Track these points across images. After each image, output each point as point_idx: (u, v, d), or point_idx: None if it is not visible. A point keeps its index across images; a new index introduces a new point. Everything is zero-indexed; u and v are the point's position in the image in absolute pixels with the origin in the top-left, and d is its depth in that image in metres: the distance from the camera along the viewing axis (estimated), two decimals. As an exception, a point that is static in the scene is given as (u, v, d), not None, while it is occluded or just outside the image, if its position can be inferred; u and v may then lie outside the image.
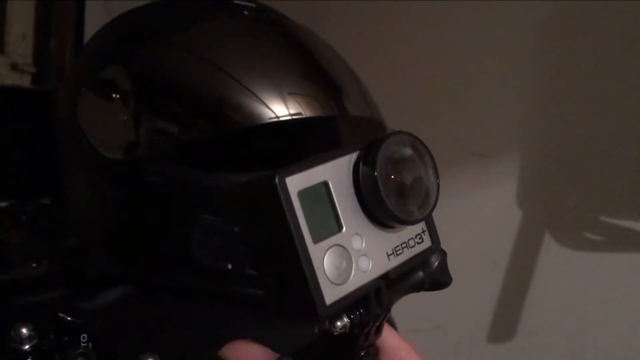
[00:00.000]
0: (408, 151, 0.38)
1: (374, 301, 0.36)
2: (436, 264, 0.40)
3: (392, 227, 0.37)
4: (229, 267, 0.43)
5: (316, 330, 0.36)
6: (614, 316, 0.99)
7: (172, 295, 0.49)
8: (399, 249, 0.38)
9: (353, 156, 0.37)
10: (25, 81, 1.22)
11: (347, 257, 0.35)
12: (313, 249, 0.33)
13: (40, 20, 1.27)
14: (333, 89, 0.50)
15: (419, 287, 0.40)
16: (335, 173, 0.36)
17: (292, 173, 0.33)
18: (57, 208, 0.79)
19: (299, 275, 0.33)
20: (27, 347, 0.39)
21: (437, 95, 1.10)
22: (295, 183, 0.33)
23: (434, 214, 0.42)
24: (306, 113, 0.46)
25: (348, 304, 0.35)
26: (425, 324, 1.08)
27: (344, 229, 0.35)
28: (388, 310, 0.38)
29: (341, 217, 0.35)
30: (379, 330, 0.39)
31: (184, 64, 0.48)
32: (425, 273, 0.40)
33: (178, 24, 0.51)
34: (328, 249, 0.34)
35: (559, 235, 1.02)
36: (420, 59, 1.12)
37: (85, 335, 0.46)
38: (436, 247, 0.40)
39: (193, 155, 0.47)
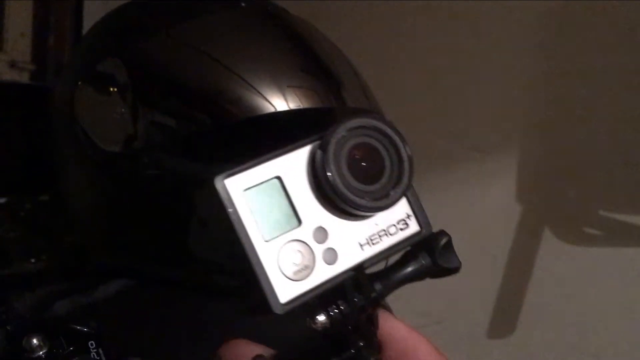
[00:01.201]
0: (370, 133, 0.36)
1: (352, 292, 0.35)
2: (439, 247, 0.38)
3: (362, 216, 0.36)
4: (227, 259, 0.43)
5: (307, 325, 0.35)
6: (613, 310, 0.99)
7: (170, 288, 0.49)
8: (375, 238, 0.36)
9: (309, 147, 0.35)
10: (23, 78, 1.22)
11: (308, 251, 0.34)
12: (264, 247, 0.33)
13: (39, 18, 1.27)
14: (331, 82, 0.50)
15: (421, 275, 0.38)
16: (289, 167, 0.34)
17: (234, 173, 0.33)
18: (55, 204, 0.79)
19: (252, 274, 0.32)
20: (41, 353, 0.39)
21: (437, 91, 1.10)
22: (240, 182, 0.33)
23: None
24: (304, 105, 0.46)
25: (313, 298, 0.34)
26: (424, 320, 1.08)
27: (303, 224, 0.34)
28: (374, 300, 0.37)
29: (299, 212, 0.34)
30: (372, 323, 0.38)
31: (182, 57, 0.48)
32: (427, 260, 0.38)
33: (175, 17, 0.51)
34: (284, 245, 0.33)
35: (558, 230, 1.02)
36: (420, 55, 1.12)
37: (93, 342, 0.46)
38: (426, 231, 0.38)
39: (191, 148, 0.47)
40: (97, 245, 0.53)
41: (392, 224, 0.37)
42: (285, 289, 0.33)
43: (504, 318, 1.07)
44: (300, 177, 0.34)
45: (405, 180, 0.36)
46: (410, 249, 0.38)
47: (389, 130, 0.36)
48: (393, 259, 0.39)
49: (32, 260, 0.66)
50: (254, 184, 0.33)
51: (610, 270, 0.98)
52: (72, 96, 0.51)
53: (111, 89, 0.49)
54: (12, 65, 1.22)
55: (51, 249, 0.68)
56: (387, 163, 0.36)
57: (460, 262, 0.38)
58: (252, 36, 0.50)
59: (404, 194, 0.36)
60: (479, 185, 1.07)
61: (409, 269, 0.38)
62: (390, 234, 0.37)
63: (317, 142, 0.35)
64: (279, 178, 0.34)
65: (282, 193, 0.34)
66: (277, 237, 0.33)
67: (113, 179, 0.49)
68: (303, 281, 0.33)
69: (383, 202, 0.35)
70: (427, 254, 0.38)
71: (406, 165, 0.36)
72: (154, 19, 0.52)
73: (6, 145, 0.86)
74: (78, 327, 0.48)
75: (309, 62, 0.50)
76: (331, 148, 0.34)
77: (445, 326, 1.09)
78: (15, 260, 0.69)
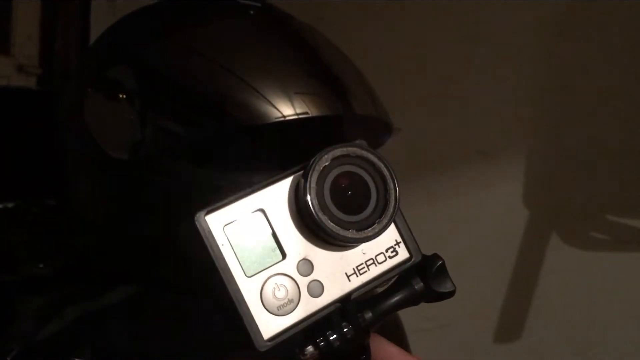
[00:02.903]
0: (354, 162, 0.35)
1: (340, 323, 0.34)
2: (432, 271, 0.37)
3: (348, 246, 0.35)
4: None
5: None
6: (620, 315, 0.98)
7: (177, 294, 0.49)
8: (363, 267, 0.35)
9: (292, 179, 0.34)
10: (30, 82, 1.23)
11: (293, 285, 0.33)
12: (246, 283, 0.32)
13: (46, 22, 1.27)
14: (339, 88, 0.50)
15: (413, 301, 0.37)
16: (272, 199, 0.34)
17: (215, 209, 0.32)
18: (62, 208, 0.79)
19: (234, 311, 0.32)
20: None
21: (443, 94, 1.10)
22: (221, 218, 0.32)
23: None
24: (312, 112, 0.46)
25: (298, 332, 0.33)
26: (430, 324, 1.07)
27: (287, 257, 0.34)
28: (364, 329, 0.36)
29: (283, 245, 0.34)
30: (364, 352, 0.37)
31: (189, 64, 0.48)
32: (419, 285, 0.37)
33: (184, 24, 0.51)
34: (267, 280, 0.33)
35: (565, 234, 1.02)
36: (427, 59, 1.12)
37: None
38: (416, 258, 0.37)
39: (199, 154, 0.47)
40: (105, 251, 0.54)
41: (381, 252, 0.36)
42: (269, 325, 0.32)
43: (511, 322, 1.06)
44: (283, 209, 0.34)
45: (391, 209, 0.35)
46: (402, 274, 0.37)
47: (374, 159, 0.35)
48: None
49: (40, 265, 0.66)
50: (235, 218, 0.33)
51: (618, 274, 0.98)
52: (81, 103, 0.51)
53: (120, 96, 0.49)
54: (20, 69, 1.22)
55: (58, 254, 0.68)
56: (373, 192, 0.35)
57: (454, 286, 0.37)
58: (260, 43, 0.50)
59: (389, 223, 0.35)
60: (486, 189, 1.07)
61: (401, 295, 0.36)
62: (379, 263, 0.36)
63: (300, 173, 0.34)
64: (262, 211, 0.33)
65: (266, 226, 0.33)
66: (260, 272, 0.33)
67: (121, 184, 0.49)
68: (287, 315, 0.33)
69: (368, 232, 0.34)
70: (420, 279, 0.37)
71: (392, 194, 0.35)
72: (162, 26, 0.52)
73: (13, 149, 0.86)
74: None
75: (317, 68, 0.51)
76: (313, 178, 0.33)
77: (450, 330, 1.09)
78: (23, 264, 0.69)
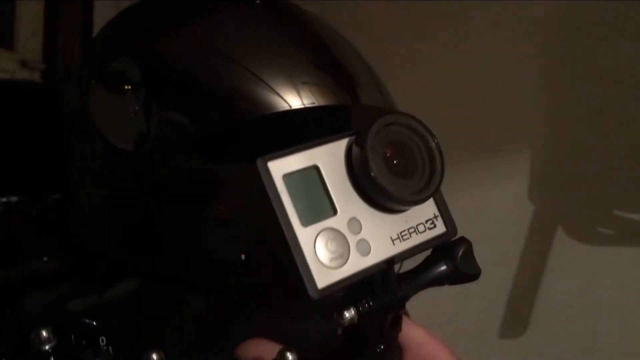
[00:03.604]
0: (403, 131, 0.36)
1: (381, 289, 0.35)
2: (460, 254, 0.38)
3: (394, 211, 0.36)
4: (242, 257, 0.43)
5: (328, 325, 0.35)
6: (626, 310, 0.98)
7: (183, 287, 0.48)
8: (406, 234, 0.36)
9: (346, 140, 0.36)
10: (34, 77, 1.23)
11: (343, 241, 0.34)
12: (302, 232, 0.33)
13: (50, 18, 1.27)
14: (346, 79, 0.50)
15: (442, 281, 0.38)
16: (327, 157, 0.35)
17: (275, 157, 0.33)
18: (66, 203, 0.79)
19: (289, 258, 0.32)
20: (47, 347, 0.38)
21: (449, 89, 1.10)
22: (280, 166, 0.33)
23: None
24: (319, 102, 0.46)
25: (346, 287, 0.33)
26: (436, 319, 1.07)
27: (338, 213, 0.34)
28: (400, 301, 0.36)
29: (335, 202, 0.34)
30: (396, 325, 0.38)
31: (195, 54, 0.48)
32: (448, 266, 0.38)
33: (188, 14, 0.50)
34: (320, 232, 0.33)
35: (571, 229, 1.01)
36: (432, 53, 1.11)
37: (104, 337, 0.46)
38: (452, 232, 0.38)
39: (204, 146, 0.46)
40: (109, 244, 0.53)
41: (421, 222, 0.37)
42: (322, 275, 0.32)
43: (516, 318, 1.06)
44: (336, 169, 0.35)
45: (438, 177, 0.36)
46: (432, 254, 0.38)
47: (422, 129, 0.37)
48: (415, 263, 0.38)
49: (45, 259, 0.66)
50: (293, 170, 0.33)
51: (624, 270, 0.98)
52: (85, 95, 0.51)
53: (124, 88, 0.48)
54: (23, 64, 1.22)
55: (62, 248, 0.68)
56: (419, 159, 0.36)
57: (480, 269, 0.38)
58: (266, 33, 0.50)
59: (437, 189, 0.36)
60: (491, 184, 1.06)
61: (432, 273, 0.37)
62: (419, 232, 0.37)
63: (352, 137, 0.35)
64: (316, 168, 0.34)
65: (319, 182, 0.34)
66: (314, 224, 0.33)
67: (126, 177, 0.49)
68: (338, 269, 0.33)
69: (421, 195, 0.35)
70: (450, 260, 0.38)
71: (438, 162, 0.37)
72: (167, 16, 0.52)
73: (17, 144, 0.86)
74: (87, 321, 0.47)
75: (324, 59, 0.50)
76: (370, 144, 0.34)
77: (456, 325, 1.09)
78: (27, 259, 0.69)
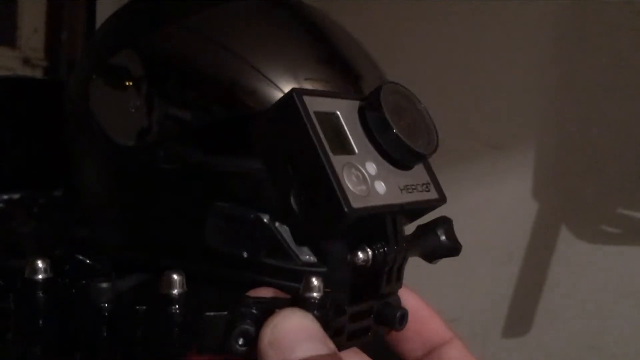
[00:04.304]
0: (405, 96, 0.40)
1: (392, 233, 0.36)
2: (444, 229, 0.40)
3: (401, 166, 0.38)
4: (245, 254, 0.42)
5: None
6: (631, 309, 0.97)
7: (188, 282, 0.48)
8: (410, 188, 0.38)
9: (357, 103, 0.38)
10: (37, 74, 1.23)
11: (363, 177, 0.35)
12: (334, 158, 0.34)
13: (52, 14, 1.27)
14: (349, 74, 0.49)
15: (432, 253, 0.40)
16: (345, 110, 0.37)
17: (307, 94, 0.35)
18: (68, 199, 0.79)
19: (325, 180, 0.33)
20: (40, 277, 0.36)
21: (452, 86, 1.09)
22: (311, 103, 0.35)
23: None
24: None
25: (369, 214, 0.35)
26: (439, 318, 1.07)
27: (357, 154, 0.36)
28: (405, 252, 0.38)
29: (354, 145, 0.36)
30: (399, 277, 0.39)
31: (197, 48, 0.47)
32: (434, 239, 0.40)
33: (190, 7, 0.50)
34: (345, 164, 0.35)
35: (576, 228, 1.01)
36: (435, 50, 1.11)
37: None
38: (443, 198, 0.41)
39: (206, 140, 0.46)
40: (112, 240, 0.53)
41: (419, 183, 0.40)
42: (353, 198, 0.34)
43: (520, 316, 1.05)
44: (352, 121, 0.37)
45: (434, 133, 0.40)
46: (417, 230, 0.40)
47: (407, 92, 0.41)
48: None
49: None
50: (319, 109, 0.35)
51: (629, 269, 0.97)
52: (86, 90, 0.50)
53: (126, 82, 0.48)
54: (26, 61, 1.22)
55: (65, 245, 0.68)
56: (417, 119, 0.39)
57: (460, 245, 0.40)
58: (269, 27, 0.50)
59: (437, 144, 0.40)
60: (495, 182, 1.06)
61: (426, 243, 0.40)
62: (419, 191, 0.39)
63: (360, 101, 0.39)
64: (335, 114, 0.36)
65: (339, 126, 0.36)
66: (340, 155, 0.35)
67: (128, 172, 0.49)
68: (364, 198, 0.34)
69: (430, 148, 0.39)
70: (434, 234, 0.40)
71: (430, 120, 0.41)
72: (168, 9, 0.51)
73: (19, 140, 0.86)
74: (88, 261, 0.47)
75: (327, 53, 0.50)
76: (386, 106, 0.37)
77: (459, 324, 1.08)
78: (29, 255, 0.69)
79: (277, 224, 0.41)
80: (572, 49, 1.01)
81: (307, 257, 0.40)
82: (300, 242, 0.39)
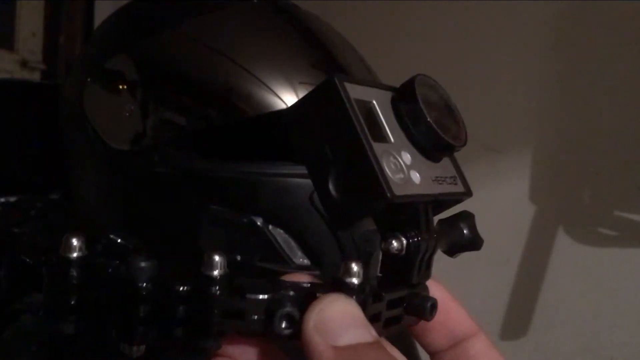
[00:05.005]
0: (434, 89, 0.40)
1: (424, 222, 0.36)
2: (467, 224, 0.40)
3: (432, 157, 0.38)
4: (238, 258, 0.42)
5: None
6: (628, 312, 0.97)
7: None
8: (440, 180, 0.38)
9: (390, 94, 0.38)
10: (34, 78, 1.23)
11: (400, 165, 0.35)
12: (374, 145, 0.34)
13: (50, 18, 1.27)
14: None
15: (455, 247, 0.40)
16: (380, 99, 0.37)
17: (348, 81, 0.34)
18: (65, 202, 0.79)
19: (367, 165, 0.33)
20: (74, 255, 0.36)
21: (450, 90, 1.09)
22: (351, 89, 0.34)
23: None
24: None
25: (406, 202, 0.35)
26: (436, 321, 1.07)
27: (392, 142, 0.35)
28: (435, 245, 0.38)
29: (388, 133, 0.36)
30: (428, 267, 0.39)
31: (191, 53, 0.47)
32: (459, 234, 0.39)
33: (185, 13, 0.50)
34: (384, 151, 0.34)
35: (573, 231, 1.01)
36: (432, 55, 1.11)
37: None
38: (469, 192, 0.40)
39: (201, 145, 0.46)
40: (107, 243, 0.53)
41: (448, 176, 0.39)
42: (393, 184, 0.34)
43: (517, 319, 1.05)
44: (386, 111, 0.37)
45: (462, 124, 0.40)
46: (438, 224, 0.40)
47: (437, 85, 0.40)
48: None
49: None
50: (358, 97, 0.35)
51: (626, 271, 0.97)
52: (81, 93, 0.51)
53: (120, 86, 0.48)
54: (24, 64, 1.22)
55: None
56: (446, 111, 0.39)
57: (482, 240, 0.40)
58: (263, 32, 0.50)
59: (466, 135, 0.39)
60: (492, 185, 1.06)
61: (452, 235, 0.39)
62: (448, 183, 0.39)
63: (393, 93, 0.38)
64: (372, 103, 0.36)
65: (375, 115, 0.36)
66: (379, 143, 0.34)
67: (123, 176, 0.49)
68: (402, 185, 0.34)
69: (461, 140, 0.38)
70: (458, 227, 0.40)
71: (457, 114, 0.40)
72: (163, 15, 0.51)
73: (17, 144, 0.86)
74: (120, 240, 0.47)
75: (321, 58, 0.50)
76: (420, 97, 0.37)
77: (457, 327, 1.08)
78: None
79: (270, 227, 0.41)
80: (570, 53, 1.01)
81: (301, 260, 0.40)
82: (337, 226, 0.39)
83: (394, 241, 0.35)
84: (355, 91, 0.35)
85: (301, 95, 0.45)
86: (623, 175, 0.97)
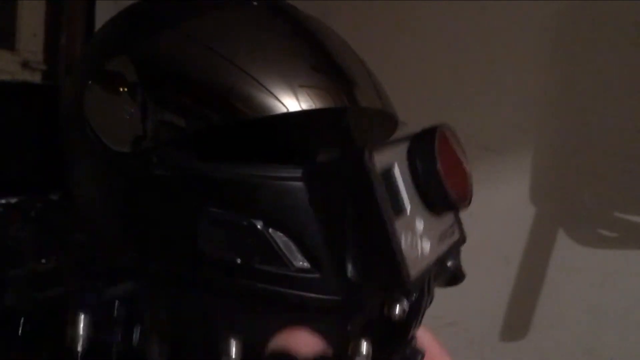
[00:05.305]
0: (450, 140, 0.38)
1: (427, 286, 0.36)
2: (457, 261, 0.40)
3: (439, 214, 0.38)
4: (238, 261, 0.42)
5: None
6: (628, 313, 0.97)
7: (182, 288, 0.48)
8: (444, 236, 0.38)
9: (407, 144, 0.37)
10: (35, 78, 1.23)
11: (415, 239, 0.35)
12: (396, 224, 0.33)
13: (51, 18, 1.27)
14: (344, 81, 0.50)
15: (446, 282, 0.40)
16: (399, 158, 0.36)
17: (377, 150, 0.34)
18: (65, 203, 0.79)
19: (389, 250, 0.32)
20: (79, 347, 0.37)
21: (449, 90, 1.09)
22: (379, 161, 0.33)
23: None
24: (316, 105, 0.46)
25: (419, 280, 0.34)
26: (437, 322, 1.06)
27: (408, 212, 0.35)
28: (432, 299, 0.38)
29: (405, 200, 0.35)
30: (420, 322, 0.39)
31: (192, 55, 0.47)
32: (445, 272, 0.40)
33: (185, 14, 0.50)
34: (404, 228, 0.34)
35: (572, 232, 1.01)
36: (432, 56, 1.11)
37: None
38: (463, 239, 0.40)
39: (201, 147, 0.46)
40: (106, 246, 0.53)
41: (448, 227, 0.39)
42: (410, 265, 0.33)
43: (517, 320, 1.05)
44: (404, 170, 0.36)
45: (470, 178, 0.40)
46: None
47: (454, 135, 0.39)
48: None
49: (43, 261, 0.66)
50: (384, 166, 0.34)
51: (625, 272, 0.97)
52: (81, 95, 0.51)
53: (120, 88, 0.48)
54: (25, 65, 1.22)
55: (62, 249, 0.68)
56: (464, 166, 0.39)
57: (465, 274, 0.42)
58: (264, 34, 0.50)
59: (472, 195, 0.39)
60: (492, 186, 1.06)
61: (445, 274, 0.40)
62: (448, 236, 0.39)
63: (408, 142, 0.37)
64: (393, 166, 0.35)
65: (394, 181, 0.35)
66: (399, 218, 0.34)
67: (123, 178, 0.49)
68: (417, 263, 0.34)
69: (467, 199, 0.38)
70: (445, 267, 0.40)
71: (467, 168, 0.40)
72: (164, 16, 0.51)
73: (17, 145, 0.86)
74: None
75: (321, 61, 0.50)
76: (438, 155, 0.36)
77: (457, 328, 1.08)
78: (26, 260, 0.69)
79: (270, 230, 0.41)
80: (569, 54, 1.01)
81: (301, 263, 0.40)
82: (350, 307, 0.38)
83: (397, 306, 0.34)
84: (381, 160, 0.34)
85: (301, 98, 0.45)
86: (623, 177, 0.98)
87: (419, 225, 0.35)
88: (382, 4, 1.15)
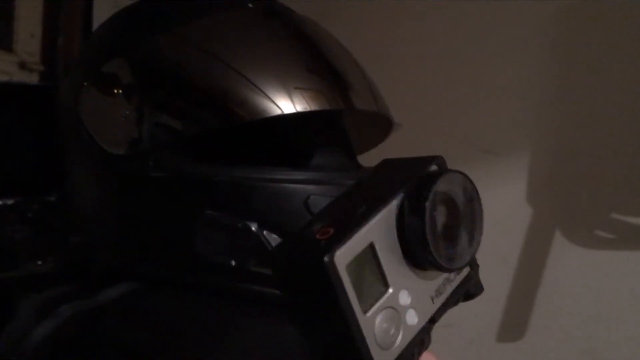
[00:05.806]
0: (458, 193, 0.35)
1: (418, 348, 0.34)
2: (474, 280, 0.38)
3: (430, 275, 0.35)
4: (232, 263, 0.42)
5: None
6: (625, 314, 0.97)
7: (177, 290, 0.48)
8: (442, 288, 0.36)
9: (395, 202, 0.33)
10: (33, 79, 1.23)
11: (396, 317, 0.33)
12: (364, 320, 0.31)
13: (49, 19, 1.27)
14: (339, 83, 0.50)
15: (455, 303, 0.38)
16: (379, 230, 0.33)
17: (339, 248, 0.30)
18: (62, 205, 0.79)
19: (352, 349, 0.31)
20: None
21: (447, 92, 1.09)
22: (343, 257, 0.31)
23: None
24: (311, 107, 0.46)
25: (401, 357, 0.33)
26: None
27: (390, 289, 0.33)
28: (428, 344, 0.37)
29: (387, 277, 0.33)
30: (420, 352, 0.38)
31: (188, 57, 0.47)
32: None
33: (182, 17, 0.50)
34: (378, 314, 0.32)
35: (570, 233, 1.01)
36: (430, 57, 1.11)
37: None
38: (476, 271, 0.38)
39: (197, 149, 0.46)
40: (103, 247, 0.53)
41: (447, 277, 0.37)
42: (382, 353, 0.32)
43: (514, 322, 1.06)
44: (388, 238, 0.33)
45: (479, 232, 0.35)
46: None
47: (469, 187, 0.35)
48: None
49: (39, 262, 0.66)
50: (353, 256, 0.31)
51: (622, 273, 0.97)
52: (77, 97, 0.51)
53: (116, 90, 0.48)
54: (22, 66, 1.22)
55: (58, 251, 0.68)
56: (464, 218, 0.35)
57: (483, 288, 0.39)
58: (259, 37, 0.50)
59: (479, 244, 0.35)
60: (490, 187, 1.06)
61: (451, 302, 0.37)
62: (451, 281, 0.36)
63: (401, 196, 0.33)
64: (372, 245, 0.32)
65: (373, 260, 0.32)
66: (373, 306, 0.32)
67: (119, 180, 0.49)
68: (392, 348, 0.32)
69: (465, 259, 0.34)
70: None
71: (479, 219, 0.35)
72: (160, 19, 0.51)
73: (15, 146, 0.86)
74: None
75: (317, 63, 0.50)
76: (428, 219, 0.32)
77: (454, 330, 1.08)
78: (23, 261, 0.69)
79: (265, 232, 0.41)
80: (567, 56, 1.02)
81: None
82: None
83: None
84: (348, 253, 0.31)
85: (297, 100, 0.45)
86: (620, 178, 0.98)
87: (404, 298, 0.33)
88: (380, 5, 1.15)
